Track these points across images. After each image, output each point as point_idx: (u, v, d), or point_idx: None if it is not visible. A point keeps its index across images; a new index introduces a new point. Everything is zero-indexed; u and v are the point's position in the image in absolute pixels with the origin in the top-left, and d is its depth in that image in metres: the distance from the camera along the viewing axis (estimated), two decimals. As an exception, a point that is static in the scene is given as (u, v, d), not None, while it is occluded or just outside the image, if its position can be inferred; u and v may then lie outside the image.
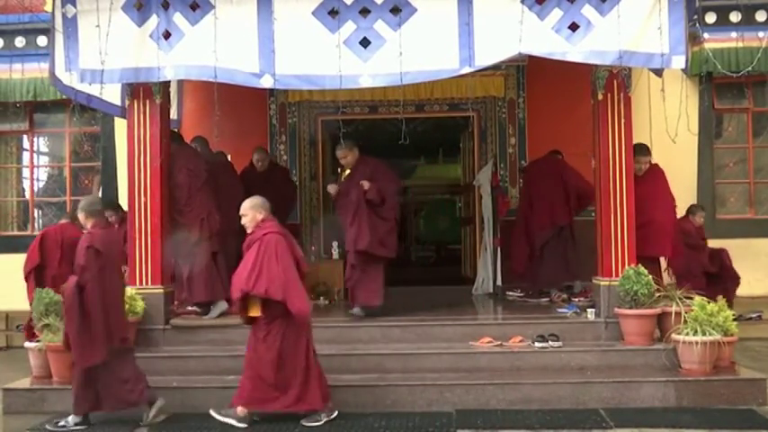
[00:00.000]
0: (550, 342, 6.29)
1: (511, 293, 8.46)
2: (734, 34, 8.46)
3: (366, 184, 7.15)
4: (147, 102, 6.80)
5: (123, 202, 7.77)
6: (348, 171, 7.52)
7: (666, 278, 7.23)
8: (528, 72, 9.40)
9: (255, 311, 5.42)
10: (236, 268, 5.57)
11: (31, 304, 6.68)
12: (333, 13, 5.96)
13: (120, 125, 8.42)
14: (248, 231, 5.61)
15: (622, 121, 6.56)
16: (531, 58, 6.30)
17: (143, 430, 5.49)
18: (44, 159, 10.36)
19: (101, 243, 5.51)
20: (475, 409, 5.69)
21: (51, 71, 6.44)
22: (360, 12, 5.94)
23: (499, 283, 8.64)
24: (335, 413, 5.51)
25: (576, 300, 7.62)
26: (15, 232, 9.89)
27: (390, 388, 5.87)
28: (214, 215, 7.03)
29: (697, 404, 5.72)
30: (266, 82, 6.03)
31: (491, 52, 5.86)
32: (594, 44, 5.75)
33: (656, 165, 7.23)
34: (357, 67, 5.90)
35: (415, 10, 5.90)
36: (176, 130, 8.37)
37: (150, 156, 6.77)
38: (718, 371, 5.97)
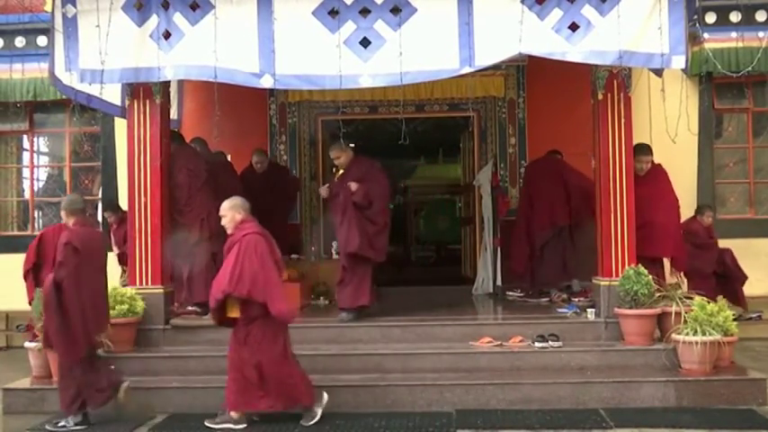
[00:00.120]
0: (550, 342, 6.29)
1: (511, 293, 8.45)
2: (734, 34, 8.46)
3: (353, 186, 7.08)
4: (147, 102, 6.80)
5: (123, 202, 7.78)
6: (341, 171, 7.48)
7: (669, 278, 7.21)
8: (528, 72, 9.41)
9: (235, 313, 5.41)
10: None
11: (30, 304, 6.68)
12: (333, 13, 5.96)
13: (120, 125, 8.42)
14: (228, 232, 5.57)
15: (622, 121, 6.56)
16: (531, 58, 6.30)
17: (143, 430, 5.50)
18: (44, 159, 10.37)
19: (79, 240, 5.53)
20: (475, 409, 5.69)
21: (51, 71, 6.45)
22: (360, 12, 5.94)
23: (499, 283, 8.63)
24: (325, 398, 5.50)
25: (576, 300, 7.62)
26: (15, 232, 9.89)
27: (390, 388, 5.87)
28: (214, 215, 6.97)
29: (697, 404, 5.72)
30: (266, 82, 6.03)
31: (491, 52, 5.85)
32: (594, 44, 5.75)
33: (659, 165, 7.22)
34: (357, 67, 5.90)
35: (415, 10, 5.90)
36: (176, 130, 8.36)
37: (150, 156, 6.77)
38: (718, 371, 5.97)
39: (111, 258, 8.47)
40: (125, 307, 6.41)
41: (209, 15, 6.01)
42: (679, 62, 5.72)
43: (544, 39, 5.80)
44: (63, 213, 5.79)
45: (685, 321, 6.01)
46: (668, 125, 6.12)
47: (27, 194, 10.10)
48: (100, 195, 9.73)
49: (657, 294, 6.33)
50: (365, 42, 5.93)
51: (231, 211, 5.58)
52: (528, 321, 6.79)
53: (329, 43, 5.92)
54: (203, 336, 6.68)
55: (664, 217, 7.02)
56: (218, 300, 5.34)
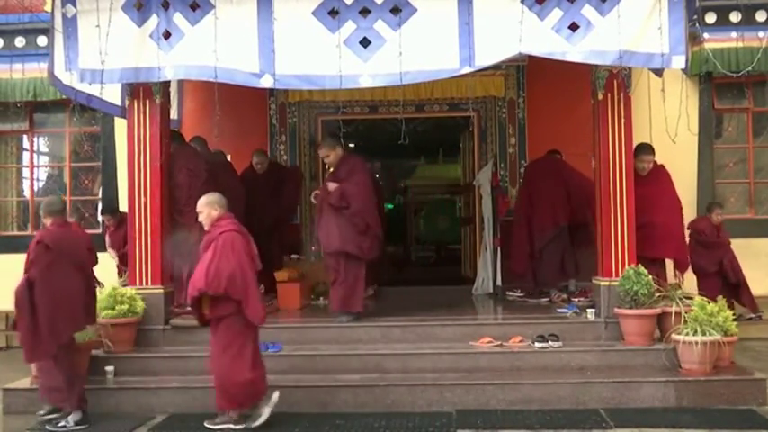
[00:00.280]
0: (550, 342, 6.29)
1: (511, 293, 8.45)
2: (734, 34, 8.47)
3: (330, 186, 7.05)
4: (147, 102, 6.80)
5: (123, 202, 7.78)
6: (331, 170, 7.44)
7: (674, 279, 7.20)
8: (528, 72, 9.41)
9: (206, 310, 5.37)
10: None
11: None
12: (333, 13, 5.95)
13: (120, 125, 8.42)
14: (205, 229, 5.51)
15: (622, 121, 6.56)
16: (531, 58, 6.30)
17: (143, 430, 5.49)
18: (44, 159, 10.36)
19: (51, 239, 5.55)
20: (475, 409, 5.69)
21: (51, 71, 6.44)
22: (360, 12, 5.94)
23: (499, 283, 8.62)
24: (275, 398, 5.38)
25: (576, 300, 7.62)
26: (15, 232, 9.89)
27: (390, 388, 5.86)
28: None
29: (697, 404, 5.71)
30: (266, 82, 6.03)
31: (491, 52, 5.85)
32: (594, 44, 5.74)
33: (662, 166, 7.21)
34: (357, 67, 5.90)
35: (415, 10, 5.90)
36: (176, 129, 8.36)
37: (150, 156, 6.77)
38: (718, 371, 5.96)
39: (106, 259, 8.54)
40: (125, 307, 6.41)
41: (209, 15, 6.01)
42: (679, 62, 5.72)
43: (544, 39, 5.79)
44: (41, 214, 5.84)
45: (685, 321, 6.01)
46: (668, 125, 6.11)
47: (27, 194, 10.10)
48: (100, 195, 9.73)
49: (657, 294, 6.33)
50: (365, 42, 5.92)
51: (207, 208, 5.51)
52: (528, 321, 6.79)
53: (329, 43, 5.92)
54: (203, 336, 6.59)
55: (665, 217, 7.03)
56: (193, 298, 5.31)
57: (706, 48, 8.25)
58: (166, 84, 6.96)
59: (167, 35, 6.10)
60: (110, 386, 6.10)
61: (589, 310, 6.80)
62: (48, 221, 5.75)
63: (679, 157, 8.03)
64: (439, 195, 18.73)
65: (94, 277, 6.15)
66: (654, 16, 5.72)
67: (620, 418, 5.42)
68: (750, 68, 7.31)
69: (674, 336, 6.04)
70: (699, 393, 5.77)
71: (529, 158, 9.26)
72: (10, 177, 10.12)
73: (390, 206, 18.52)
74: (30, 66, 8.75)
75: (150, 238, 6.73)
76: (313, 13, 5.97)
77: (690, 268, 7.55)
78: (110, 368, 6.24)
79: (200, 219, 5.56)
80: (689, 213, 8.12)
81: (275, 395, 5.40)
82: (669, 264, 7.32)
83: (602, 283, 6.63)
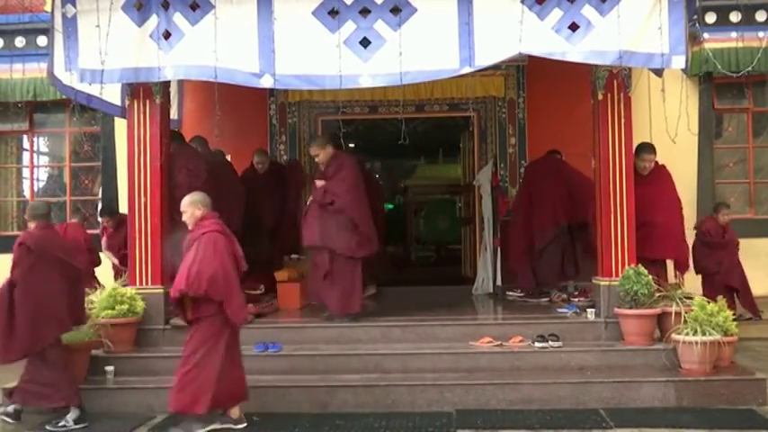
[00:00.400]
0: (550, 342, 6.29)
1: (511, 293, 8.45)
2: (734, 34, 8.48)
3: (318, 184, 7.11)
4: (147, 102, 6.80)
5: (123, 202, 7.77)
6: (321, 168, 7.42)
7: (673, 278, 7.20)
8: (528, 72, 9.41)
9: (188, 310, 5.35)
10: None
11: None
12: (333, 13, 5.95)
13: (120, 125, 8.42)
14: (189, 228, 5.48)
15: (622, 121, 6.56)
16: (531, 58, 6.30)
17: (143, 430, 5.49)
18: (44, 159, 10.38)
19: (33, 241, 5.59)
20: (475, 409, 5.68)
21: (51, 71, 6.44)
22: (360, 12, 5.94)
23: (499, 283, 8.63)
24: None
25: (576, 300, 7.62)
26: (15, 232, 9.85)
27: (390, 388, 5.86)
28: (213, 215, 7.01)
29: (697, 404, 5.71)
30: (266, 82, 6.03)
31: (491, 52, 5.85)
32: (594, 44, 5.74)
33: (663, 166, 7.20)
34: (357, 67, 5.90)
35: (415, 10, 5.90)
36: (176, 129, 8.36)
37: (150, 156, 6.77)
38: (718, 371, 5.96)
39: (106, 259, 8.54)
40: (125, 307, 6.40)
41: (209, 15, 6.01)
42: (679, 62, 5.72)
43: (544, 39, 5.79)
44: (26, 218, 5.92)
45: (685, 321, 6.01)
46: (668, 125, 6.11)
47: (27, 194, 10.11)
48: (100, 195, 9.74)
49: (657, 294, 6.33)
50: (365, 42, 5.92)
51: (191, 207, 5.46)
52: (528, 321, 6.79)
53: (329, 43, 5.91)
54: (203, 336, 6.66)
55: (665, 217, 7.01)
56: (174, 299, 5.30)
57: (706, 48, 8.26)
58: (166, 84, 6.96)
59: (167, 35, 6.10)
60: (110, 386, 6.10)
61: (589, 310, 6.80)
62: (32, 225, 5.82)
63: (679, 157, 8.03)
64: (439, 195, 18.73)
65: (95, 277, 6.16)
66: (654, 16, 5.72)
67: (620, 418, 5.42)
68: (750, 68, 7.32)
69: (674, 336, 6.04)
70: (699, 393, 5.77)
71: (529, 158, 9.26)
72: (10, 177, 10.13)
73: (390, 206, 18.53)
74: (30, 66, 8.76)
75: (150, 238, 6.73)
76: (313, 13, 5.97)
77: (692, 269, 7.55)
78: (110, 368, 6.23)
79: (184, 218, 5.49)
80: (688, 213, 8.09)
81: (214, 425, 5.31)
82: (670, 264, 7.32)
83: (602, 283, 6.63)
